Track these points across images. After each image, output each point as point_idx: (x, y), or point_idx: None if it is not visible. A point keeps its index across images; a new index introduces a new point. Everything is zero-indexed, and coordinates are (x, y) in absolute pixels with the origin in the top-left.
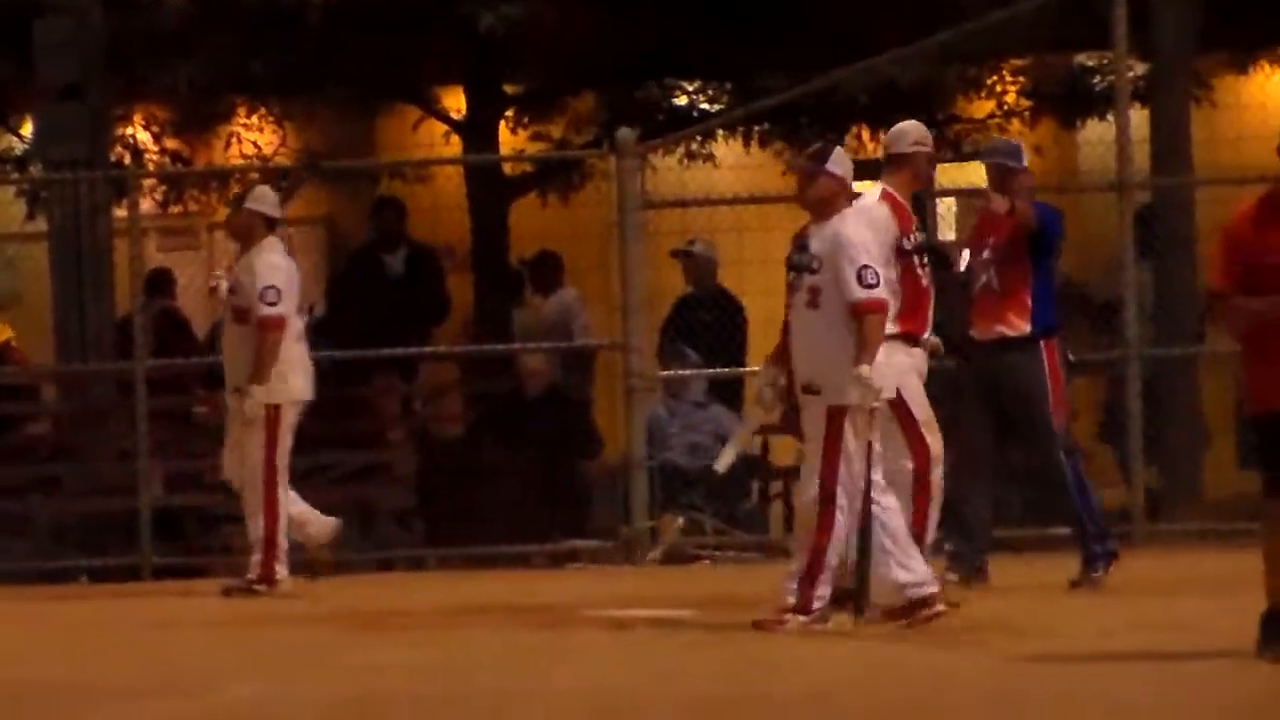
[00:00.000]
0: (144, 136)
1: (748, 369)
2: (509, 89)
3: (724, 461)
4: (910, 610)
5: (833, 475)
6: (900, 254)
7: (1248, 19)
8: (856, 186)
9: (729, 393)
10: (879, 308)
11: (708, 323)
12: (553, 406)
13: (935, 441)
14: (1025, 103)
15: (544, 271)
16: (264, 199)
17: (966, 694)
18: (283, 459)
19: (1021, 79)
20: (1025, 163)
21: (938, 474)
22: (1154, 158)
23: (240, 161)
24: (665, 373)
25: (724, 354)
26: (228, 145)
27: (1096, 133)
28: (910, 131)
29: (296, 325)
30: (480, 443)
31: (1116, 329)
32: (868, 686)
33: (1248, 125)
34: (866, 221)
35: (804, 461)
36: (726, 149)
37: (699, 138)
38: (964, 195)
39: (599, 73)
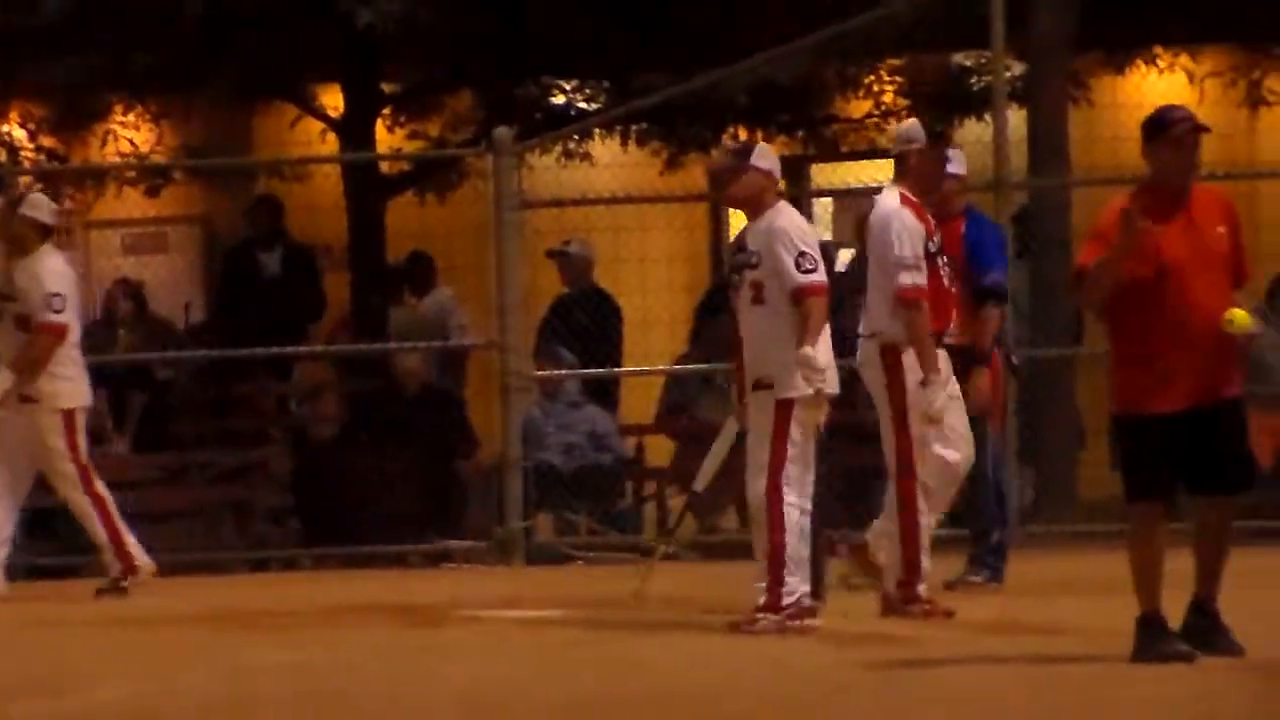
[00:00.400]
0: (19, 134)
1: (623, 369)
2: (386, 87)
3: (702, 481)
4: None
5: (779, 470)
6: (925, 256)
7: (1124, 19)
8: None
9: (604, 392)
10: (819, 291)
11: (583, 323)
12: (429, 406)
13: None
14: (903, 102)
15: (417, 272)
16: (38, 206)
17: (846, 693)
18: (83, 457)
19: (899, 78)
20: (952, 169)
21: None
22: (1031, 158)
23: (117, 159)
24: (541, 373)
25: (599, 354)
26: (104, 143)
27: (974, 132)
28: (902, 130)
29: (77, 331)
30: (356, 442)
31: None
32: (746, 686)
33: (1124, 125)
34: (896, 227)
35: (750, 457)
36: (604, 148)
37: (576, 137)
38: (840, 195)
39: (476, 71)
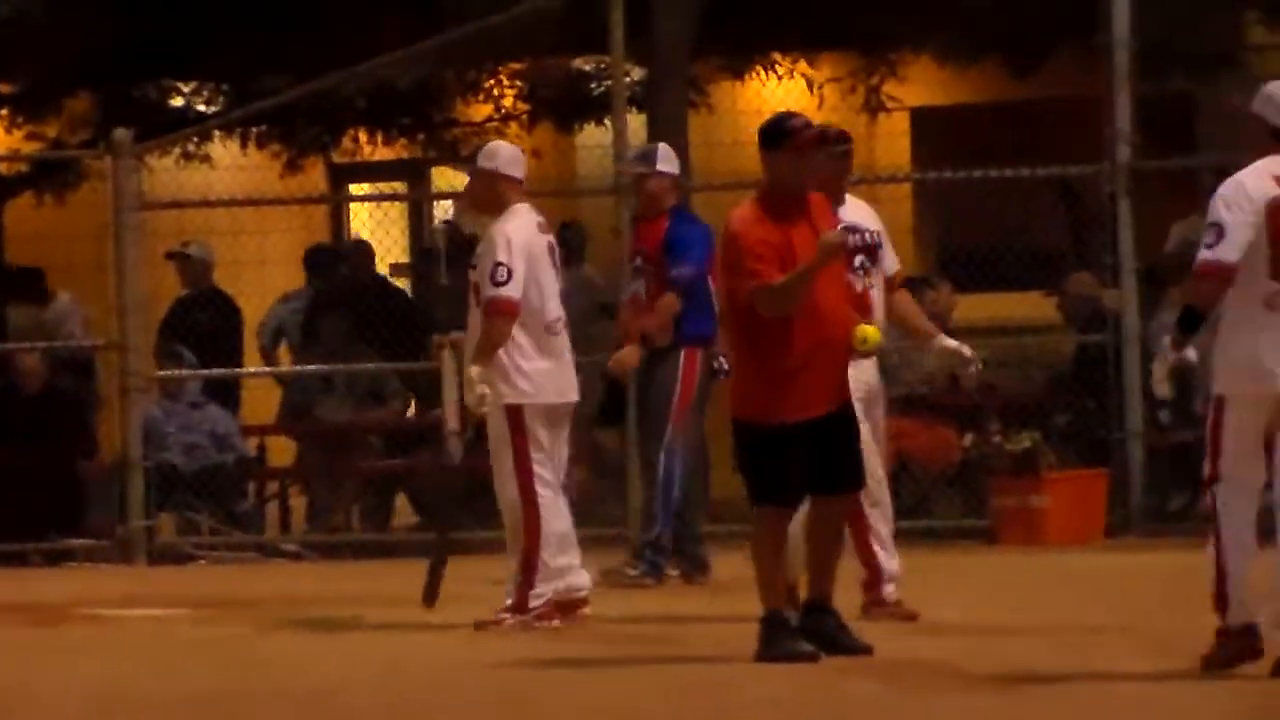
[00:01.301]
0: None
1: (244, 370)
2: (2, 88)
3: (453, 419)
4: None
5: (528, 475)
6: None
7: (743, 25)
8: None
9: (225, 393)
10: (500, 308)
11: (204, 324)
12: (50, 406)
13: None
14: (523, 106)
15: (28, 287)
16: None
17: (462, 692)
18: None
19: (519, 83)
20: (661, 166)
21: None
22: None
23: None
24: (162, 373)
25: (220, 355)
26: None
27: (594, 137)
28: (634, 153)
29: None
30: None
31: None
32: (370, 685)
33: (744, 130)
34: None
35: (495, 462)
36: (223, 150)
37: (195, 139)
38: (461, 198)
39: (94, 72)
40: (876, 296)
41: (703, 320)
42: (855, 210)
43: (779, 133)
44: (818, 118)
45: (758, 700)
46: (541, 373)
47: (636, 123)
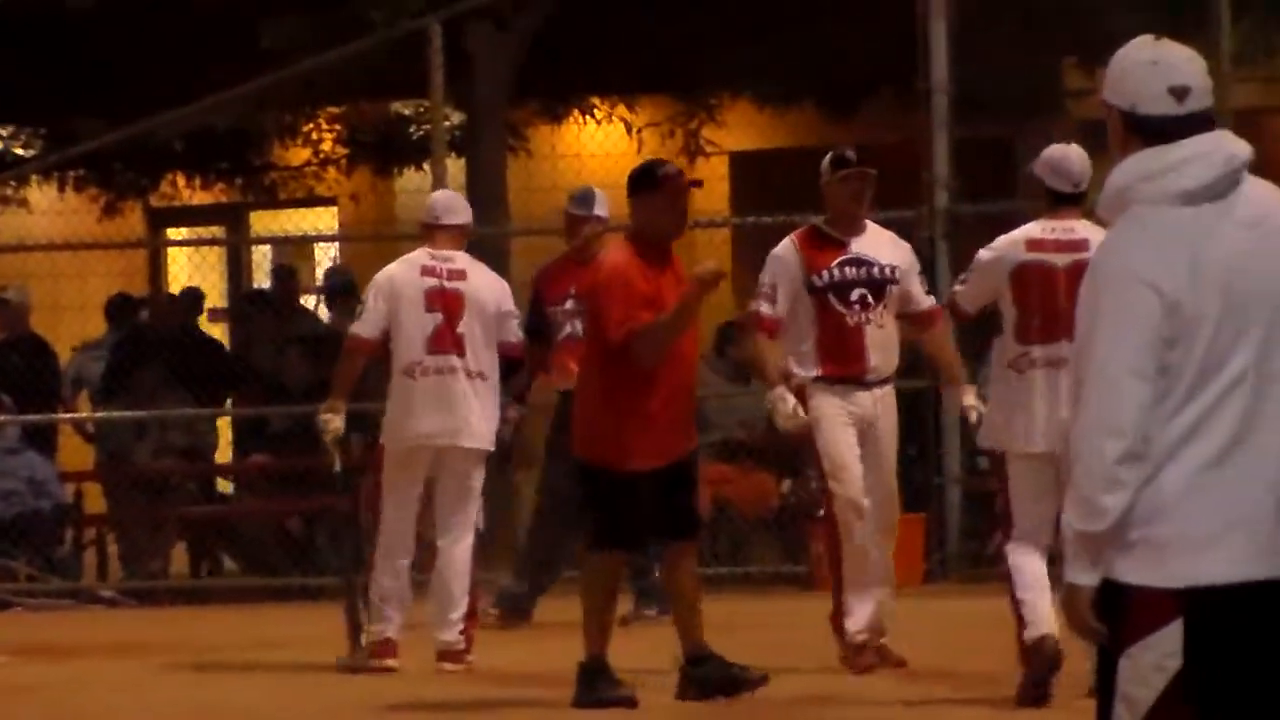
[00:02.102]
0: None
1: (61, 415)
2: None
3: None
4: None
5: (376, 517)
6: (811, 291)
7: (561, 70)
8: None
9: (42, 439)
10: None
11: (19, 369)
12: None
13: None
14: (342, 150)
15: None
16: None
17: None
18: None
19: (338, 126)
20: (598, 211)
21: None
22: (471, 206)
23: None
24: None
25: (36, 400)
26: None
27: (414, 181)
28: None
29: None
30: None
31: None
32: None
33: (562, 175)
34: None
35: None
36: (40, 194)
37: (13, 182)
38: (279, 243)
39: None
40: (879, 334)
41: None
42: (872, 241)
43: (650, 177)
44: (636, 162)
45: None
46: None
47: (455, 167)
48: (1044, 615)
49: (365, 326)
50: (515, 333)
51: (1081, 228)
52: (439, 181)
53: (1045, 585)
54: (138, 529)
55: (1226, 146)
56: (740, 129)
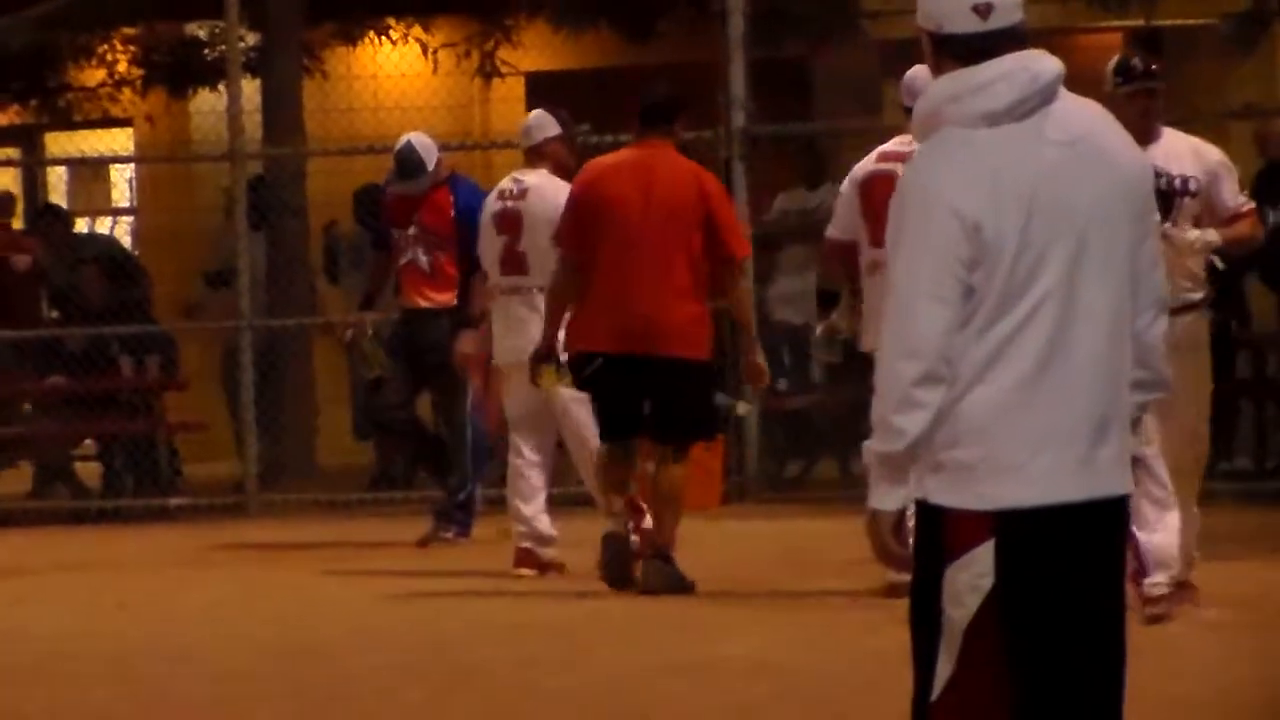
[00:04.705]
0: None
1: None
2: None
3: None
4: None
5: None
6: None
7: None
8: None
9: None
10: None
11: None
12: None
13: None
14: (137, 71)
15: None
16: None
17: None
18: None
19: (133, 48)
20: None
21: None
22: (266, 128)
23: None
24: None
25: None
26: None
27: (209, 102)
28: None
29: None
30: None
31: (230, 299)
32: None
33: (358, 96)
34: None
35: None
36: None
37: None
38: (75, 164)
39: None
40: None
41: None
42: (1167, 150)
43: None
44: (432, 83)
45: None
46: None
47: (251, 88)
48: None
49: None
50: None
51: None
52: (234, 102)
53: None
54: None
55: (1032, 65)
56: (536, 50)
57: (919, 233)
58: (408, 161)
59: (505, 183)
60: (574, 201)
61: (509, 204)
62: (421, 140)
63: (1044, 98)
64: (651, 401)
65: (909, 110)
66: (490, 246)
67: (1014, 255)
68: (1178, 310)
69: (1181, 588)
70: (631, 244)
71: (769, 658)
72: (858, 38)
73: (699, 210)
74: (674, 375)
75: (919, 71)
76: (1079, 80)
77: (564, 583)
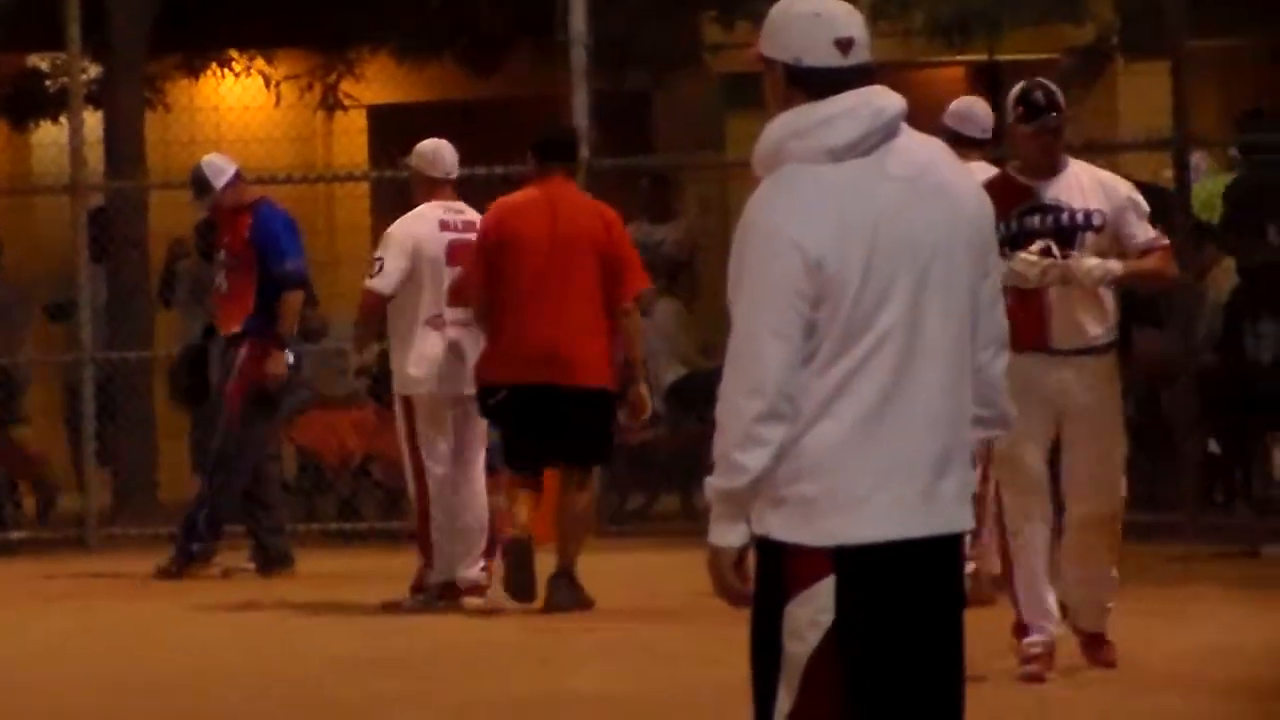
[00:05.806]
0: None
1: None
2: None
3: None
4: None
5: (418, 464)
6: None
7: (199, 22)
8: None
9: None
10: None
11: None
12: None
13: None
14: None
15: None
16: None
17: None
18: None
19: None
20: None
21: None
22: (107, 160)
23: None
24: None
25: None
26: None
27: (50, 135)
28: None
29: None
30: None
31: (71, 331)
32: None
33: (200, 128)
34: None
35: None
36: None
37: None
38: None
39: None
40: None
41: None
42: (1070, 183)
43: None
44: (275, 116)
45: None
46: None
47: (93, 120)
48: None
49: (384, 282)
50: None
51: (979, 169)
52: (75, 134)
53: None
54: None
55: (875, 101)
56: (379, 83)
57: (761, 269)
58: (194, 181)
59: (440, 214)
60: (482, 239)
61: (458, 235)
62: (212, 161)
63: (887, 133)
64: (560, 429)
65: (968, 139)
66: (437, 278)
67: (856, 291)
68: (1083, 351)
69: (1092, 640)
70: (538, 278)
71: (614, 690)
72: (699, 70)
73: (603, 244)
74: (580, 405)
75: (974, 101)
76: (921, 115)
77: (407, 616)
